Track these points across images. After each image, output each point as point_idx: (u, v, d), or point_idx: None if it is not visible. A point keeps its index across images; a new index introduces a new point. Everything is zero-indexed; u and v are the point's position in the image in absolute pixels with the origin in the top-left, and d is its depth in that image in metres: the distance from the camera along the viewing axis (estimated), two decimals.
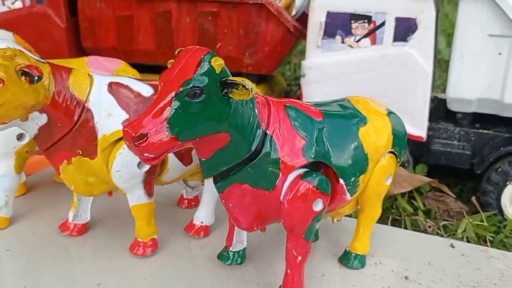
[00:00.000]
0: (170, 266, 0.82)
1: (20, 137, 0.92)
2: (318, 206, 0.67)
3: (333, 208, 0.74)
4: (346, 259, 0.84)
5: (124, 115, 0.76)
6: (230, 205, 0.68)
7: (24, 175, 1.07)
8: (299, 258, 0.70)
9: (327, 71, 1.16)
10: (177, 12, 1.32)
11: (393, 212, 1.11)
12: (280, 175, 0.65)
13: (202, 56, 0.57)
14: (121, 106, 0.76)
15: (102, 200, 1.01)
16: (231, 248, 0.82)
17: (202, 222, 0.91)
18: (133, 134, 0.54)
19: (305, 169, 0.67)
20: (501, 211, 1.08)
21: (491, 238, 1.01)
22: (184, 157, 0.83)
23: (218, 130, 0.60)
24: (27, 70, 0.65)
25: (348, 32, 1.14)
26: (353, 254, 0.83)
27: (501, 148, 1.06)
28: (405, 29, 1.09)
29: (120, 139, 0.75)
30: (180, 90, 0.56)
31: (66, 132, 0.74)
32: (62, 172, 0.78)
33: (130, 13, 1.36)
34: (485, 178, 1.09)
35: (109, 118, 0.75)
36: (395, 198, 1.14)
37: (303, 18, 1.34)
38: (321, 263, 0.85)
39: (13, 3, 1.43)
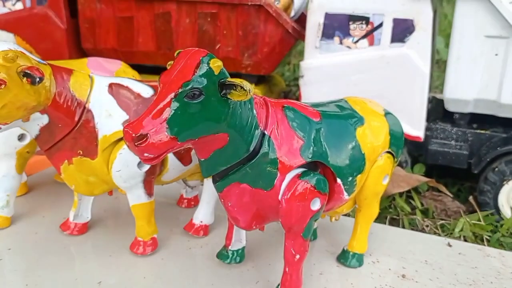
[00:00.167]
0: (170, 264, 0.83)
1: (21, 137, 0.92)
2: (315, 205, 0.68)
3: (331, 208, 0.75)
4: (344, 257, 0.85)
5: (124, 116, 0.77)
6: (229, 204, 0.68)
7: (25, 175, 1.07)
8: (297, 256, 0.71)
9: (325, 72, 1.17)
10: (177, 14, 1.33)
11: (391, 212, 1.12)
12: (278, 174, 0.66)
13: (201, 58, 0.58)
14: (121, 107, 0.77)
15: (102, 199, 1.02)
16: (230, 247, 0.83)
17: (201, 222, 0.92)
18: (133, 135, 0.55)
19: (303, 169, 0.68)
20: (498, 211, 1.08)
21: (488, 237, 1.02)
22: (183, 157, 0.84)
23: (217, 131, 0.60)
24: (28, 72, 0.66)
25: (346, 33, 1.15)
26: (351, 253, 0.84)
27: (498, 148, 1.07)
28: (402, 30, 1.10)
29: (120, 140, 0.76)
30: (179, 91, 0.57)
31: (67, 132, 0.75)
32: (63, 172, 0.78)
33: (130, 15, 1.37)
34: (482, 178, 1.10)
35: (109, 118, 0.76)
36: (393, 197, 1.15)
37: (301, 19, 1.35)
38: (319, 261, 0.86)
39: (13, 5, 1.44)
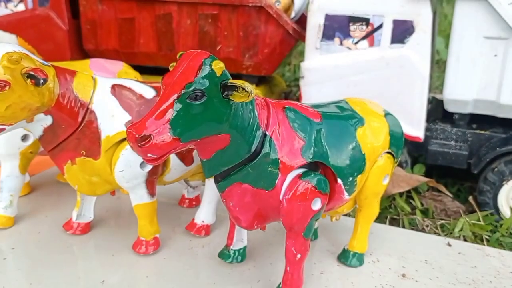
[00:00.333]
0: (172, 264, 0.84)
1: (24, 138, 0.93)
2: (316, 205, 0.69)
3: (332, 207, 0.76)
4: (345, 257, 0.85)
5: (126, 117, 0.77)
6: (231, 204, 0.69)
7: (28, 176, 1.08)
8: (298, 256, 0.71)
9: (326, 72, 1.18)
10: (178, 15, 1.33)
11: (391, 212, 1.12)
12: (280, 175, 0.67)
13: (203, 60, 0.59)
14: (123, 107, 0.78)
15: (105, 199, 1.03)
16: (231, 247, 0.83)
17: (203, 221, 0.92)
18: (137, 135, 0.56)
19: (304, 169, 0.68)
20: (497, 211, 1.09)
21: (487, 237, 1.03)
22: (185, 158, 0.84)
23: (219, 131, 0.61)
24: (32, 73, 0.67)
25: (346, 34, 1.15)
26: (351, 252, 0.85)
27: (498, 148, 1.07)
28: (402, 31, 1.11)
29: (123, 140, 0.77)
30: (182, 92, 0.57)
31: (70, 133, 0.75)
32: (66, 172, 0.79)
33: (131, 16, 1.37)
34: (482, 178, 1.10)
35: (112, 119, 0.77)
36: (393, 197, 1.16)
37: (302, 20, 1.35)
38: (320, 261, 0.86)
39: (15, 6, 1.44)
